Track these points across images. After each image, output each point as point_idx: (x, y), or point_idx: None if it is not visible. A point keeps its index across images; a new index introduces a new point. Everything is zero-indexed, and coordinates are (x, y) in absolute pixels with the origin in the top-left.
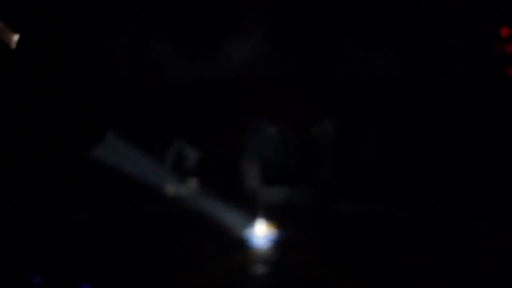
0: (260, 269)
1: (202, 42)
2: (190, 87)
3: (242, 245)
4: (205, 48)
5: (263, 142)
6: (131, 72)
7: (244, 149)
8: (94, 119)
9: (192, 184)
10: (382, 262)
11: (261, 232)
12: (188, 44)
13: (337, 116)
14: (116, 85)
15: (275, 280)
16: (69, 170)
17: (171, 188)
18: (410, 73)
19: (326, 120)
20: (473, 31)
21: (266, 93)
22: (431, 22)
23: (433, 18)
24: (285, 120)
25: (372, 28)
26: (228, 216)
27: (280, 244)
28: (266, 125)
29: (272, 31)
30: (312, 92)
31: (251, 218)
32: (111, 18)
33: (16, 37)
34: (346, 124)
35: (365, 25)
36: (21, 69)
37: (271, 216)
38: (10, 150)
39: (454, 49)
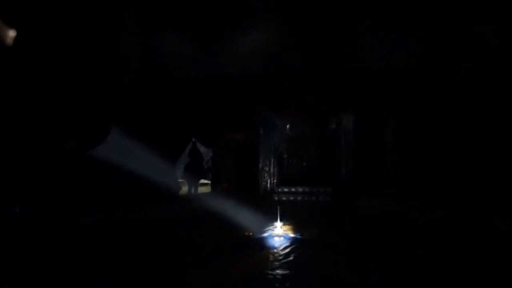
0: (277, 269)
1: (217, 38)
2: (204, 84)
3: (259, 245)
4: (220, 44)
5: (280, 139)
6: (142, 69)
7: (261, 147)
8: (97, 118)
9: (208, 183)
10: (402, 262)
11: (278, 232)
12: (202, 40)
13: (356, 111)
14: (126, 83)
15: (292, 280)
16: (78, 171)
17: (187, 187)
18: (431, 64)
19: (344, 116)
20: (501, 15)
21: (283, 89)
22: (454, 8)
23: (457, 3)
24: (302, 116)
25: (390, 18)
26: (245, 216)
27: (297, 244)
28: (283, 122)
29: (287, 26)
30: (330, 87)
31: (268, 218)
32: (116, 13)
33: (12, 33)
34: (365, 119)
35: (383, 14)
36: (18, 67)
37: (289, 216)
38: (12, 149)
39: (480, 36)
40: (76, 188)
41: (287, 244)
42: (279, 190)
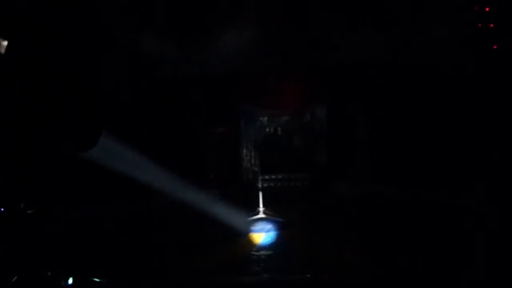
0: (261, 250)
1: (192, 36)
2: (187, 82)
3: (244, 229)
4: (195, 41)
5: (258, 130)
6: (126, 70)
7: (242, 139)
8: (87, 122)
9: (191, 175)
10: (376, 239)
11: (261, 216)
12: (179, 38)
13: (329, 103)
14: (112, 85)
15: (275, 260)
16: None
17: (171, 180)
18: (398, 55)
19: (318, 105)
20: (457, 10)
21: (261, 84)
22: (415, 5)
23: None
24: (280, 109)
25: (359, 13)
26: (229, 203)
27: (278, 227)
28: (261, 114)
29: (261, 20)
30: (304, 81)
31: (251, 204)
32: (102, 16)
33: (4, 43)
34: (338, 110)
35: (352, 10)
36: (11, 75)
37: (270, 201)
38: (7, 152)
39: (439, 29)
40: (71, 185)
41: (270, 227)
42: (260, 178)
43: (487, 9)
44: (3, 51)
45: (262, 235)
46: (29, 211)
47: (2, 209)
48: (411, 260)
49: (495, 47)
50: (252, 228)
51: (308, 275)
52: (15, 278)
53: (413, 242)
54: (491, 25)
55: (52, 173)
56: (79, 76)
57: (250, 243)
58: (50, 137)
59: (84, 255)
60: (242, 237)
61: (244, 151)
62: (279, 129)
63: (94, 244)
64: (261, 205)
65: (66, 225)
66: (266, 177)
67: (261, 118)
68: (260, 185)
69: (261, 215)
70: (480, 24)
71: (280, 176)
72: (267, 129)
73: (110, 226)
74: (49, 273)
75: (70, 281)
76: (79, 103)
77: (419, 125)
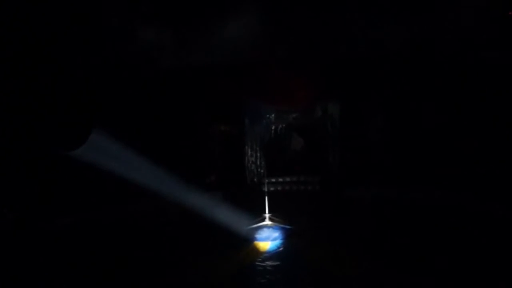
0: (267, 260)
1: (199, 29)
2: (188, 76)
3: (249, 237)
4: (203, 35)
5: (266, 129)
6: (124, 63)
7: (247, 138)
8: (78, 120)
9: (195, 179)
10: (389, 247)
11: (267, 223)
12: (183, 30)
13: (342, 99)
14: (107, 78)
15: (282, 271)
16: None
17: (170, 182)
18: (416, 51)
19: (330, 104)
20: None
21: (268, 79)
22: None
23: None
24: (288, 106)
25: (376, 4)
26: (234, 208)
27: (286, 235)
28: (269, 111)
29: (268, 7)
30: (315, 76)
31: (257, 209)
32: (97, 9)
33: None
34: (351, 107)
35: (366, 2)
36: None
37: (277, 206)
38: None
39: (463, 19)
40: (58, 188)
41: (276, 235)
42: (267, 180)
43: None
44: None
45: (268, 243)
46: (12, 216)
47: None
48: (426, 269)
49: None
50: (257, 236)
51: None
52: None
53: (428, 249)
54: None
55: (40, 175)
56: (71, 69)
57: (254, 253)
58: (38, 134)
59: (74, 265)
60: (246, 245)
61: (249, 151)
62: (287, 127)
63: (86, 251)
64: (266, 210)
65: (55, 231)
66: (273, 180)
67: (267, 116)
68: (265, 189)
69: (267, 221)
70: (511, 12)
71: (287, 179)
72: (274, 128)
73: (105, 231)
74: None
75: None
76: (69, 98)
77: (437, 126)
